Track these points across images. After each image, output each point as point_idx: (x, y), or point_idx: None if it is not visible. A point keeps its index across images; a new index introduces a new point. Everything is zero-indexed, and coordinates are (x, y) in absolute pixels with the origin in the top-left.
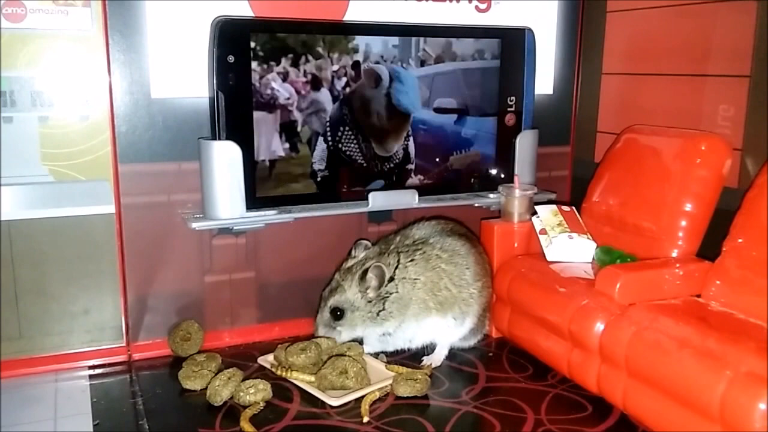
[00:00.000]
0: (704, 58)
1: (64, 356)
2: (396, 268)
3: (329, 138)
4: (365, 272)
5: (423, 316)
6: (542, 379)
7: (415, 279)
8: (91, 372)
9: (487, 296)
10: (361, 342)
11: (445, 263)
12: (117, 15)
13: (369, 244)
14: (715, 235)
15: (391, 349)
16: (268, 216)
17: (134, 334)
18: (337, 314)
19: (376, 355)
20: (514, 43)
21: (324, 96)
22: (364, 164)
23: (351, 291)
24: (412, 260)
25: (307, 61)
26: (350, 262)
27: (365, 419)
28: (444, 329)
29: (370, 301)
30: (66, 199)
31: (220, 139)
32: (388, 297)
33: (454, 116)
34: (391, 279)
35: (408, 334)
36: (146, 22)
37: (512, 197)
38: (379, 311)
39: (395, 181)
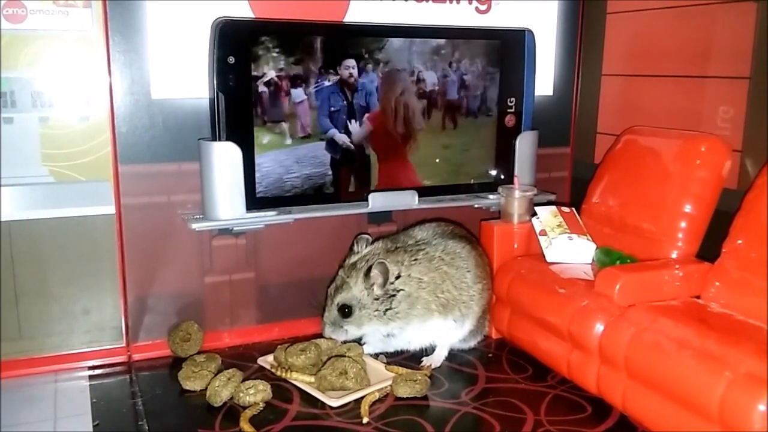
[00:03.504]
0: (704, 59)
1: (64, 357)
2: (403, 265)
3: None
4: (370, 269)
5: (426, 317)
6: (542, 380)
7: (420, 278)
8: (91, 372)
9: (487, 298)
10: (359, 342)
11: (447, 266)
12: (117, 16)
13: (370, 238)
14: (715, 236)
15: (391, 349)
16: (268, 217)
17: (134, 334)
18: (345, 311)
19: (375, 355)
20: (514, 45)
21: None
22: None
23: (357, 288)
24: (416, 260)
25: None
26: (354, 258)
27: (365, 420)
28: (444, 331)
29: (377, 299)
30: (66, 200)
31: (220, 140)
32: (395, 295)
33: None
34: (398, 276)
35: (409, 335)
36: (147, 23)
37: (512, 198)
38: (387, 309)
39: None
